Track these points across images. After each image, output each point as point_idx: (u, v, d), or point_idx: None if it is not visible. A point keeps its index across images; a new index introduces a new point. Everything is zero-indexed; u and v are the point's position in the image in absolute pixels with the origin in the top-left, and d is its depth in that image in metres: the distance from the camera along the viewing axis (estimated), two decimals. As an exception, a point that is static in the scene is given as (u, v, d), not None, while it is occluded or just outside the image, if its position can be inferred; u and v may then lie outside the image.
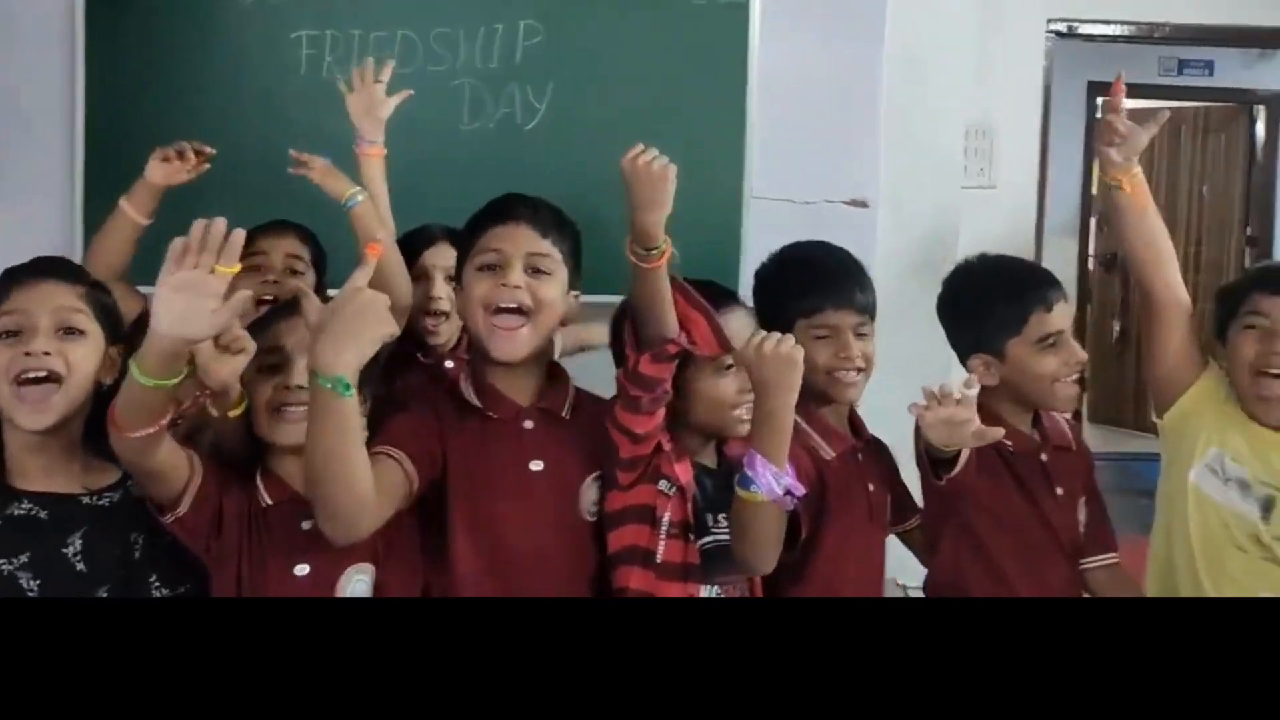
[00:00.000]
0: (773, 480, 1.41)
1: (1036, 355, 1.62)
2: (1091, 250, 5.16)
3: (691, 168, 2.77)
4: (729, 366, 1.51)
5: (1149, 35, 4.18)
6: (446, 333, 1.88)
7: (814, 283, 1.66)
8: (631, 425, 1.45)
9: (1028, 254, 3.89)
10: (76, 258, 2.06)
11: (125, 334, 1.47)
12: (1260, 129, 5.29)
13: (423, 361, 1.83)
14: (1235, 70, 5.27)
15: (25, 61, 2.64)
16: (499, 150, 2.73)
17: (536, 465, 1.48)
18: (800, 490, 1.45)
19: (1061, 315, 1.63)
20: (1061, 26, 3.94)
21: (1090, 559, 1.72)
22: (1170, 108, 5.74)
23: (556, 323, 1.51)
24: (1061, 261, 4.75)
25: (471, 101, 2.75)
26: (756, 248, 2.74)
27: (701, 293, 1.51)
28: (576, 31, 2.78)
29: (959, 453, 1.49)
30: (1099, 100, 5.50)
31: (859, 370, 1.64)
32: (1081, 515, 1.72)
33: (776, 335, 1.45)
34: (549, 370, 1.55)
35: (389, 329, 1.27)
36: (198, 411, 1.41)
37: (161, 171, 1.94)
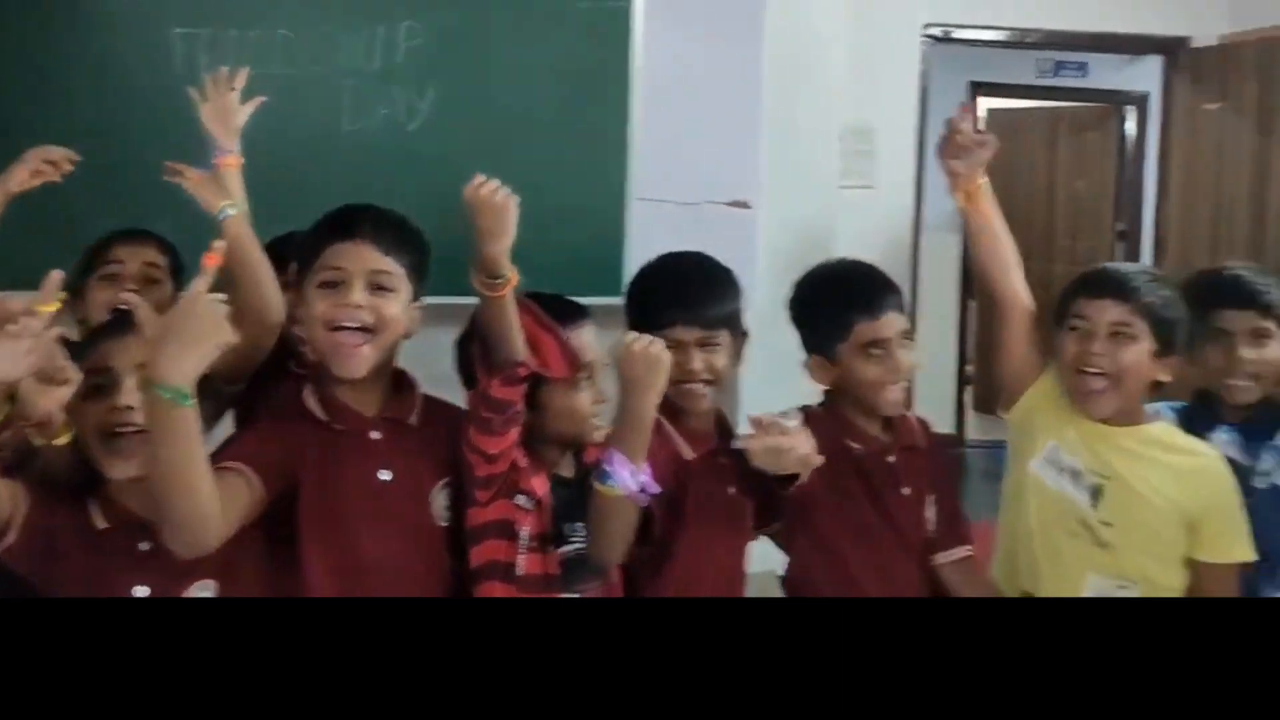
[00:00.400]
0: (629, 476, 1.46)
1: (861, 361, 1.68)
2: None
3: (575, 169, 2.92)
4: (585, 378, 1.56)
5: (1020, 40, 4.37)
6: (318, 339, 1.86)
7: (663, 298, 1.69)
8: (485, 446, 1.47)
9: (905, 250, 4.04)
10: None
11: None
12: (1130, 128, 5.54)
13: (297, 372, 1.80)
14: (1107, 72, 5.51)
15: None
16: (382, 151, 2.74)
17: (385, 475, 1.49)
18: (655, 488, 1.50)
19: (888, 325, 1.69)
20: (937, 31, 4.09)
21: (941, 554, 1.78)
22: (1047, 107, 6.05)
23: (399, 338, 1.50)
24: (943, 257, 4.92)
25: (353, 102, 2.74)
26: (640, 248, 2.81)
27: (550, 309, 1.54)
28: (459, 32, 2.79)
29: None
30: (979, 100, 5.71)
31: (706, 382, 1.67)
32: (930, 513, 1.78)
33: (647, 337, 1.51)
34: (395, 379, 1.55)
35: (227, 337, 1.28)
36: (20, 441, 1.39)
37: (24, 179, 1.89)
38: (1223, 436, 1.81)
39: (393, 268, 1.49)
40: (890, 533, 1.72)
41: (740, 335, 1.75)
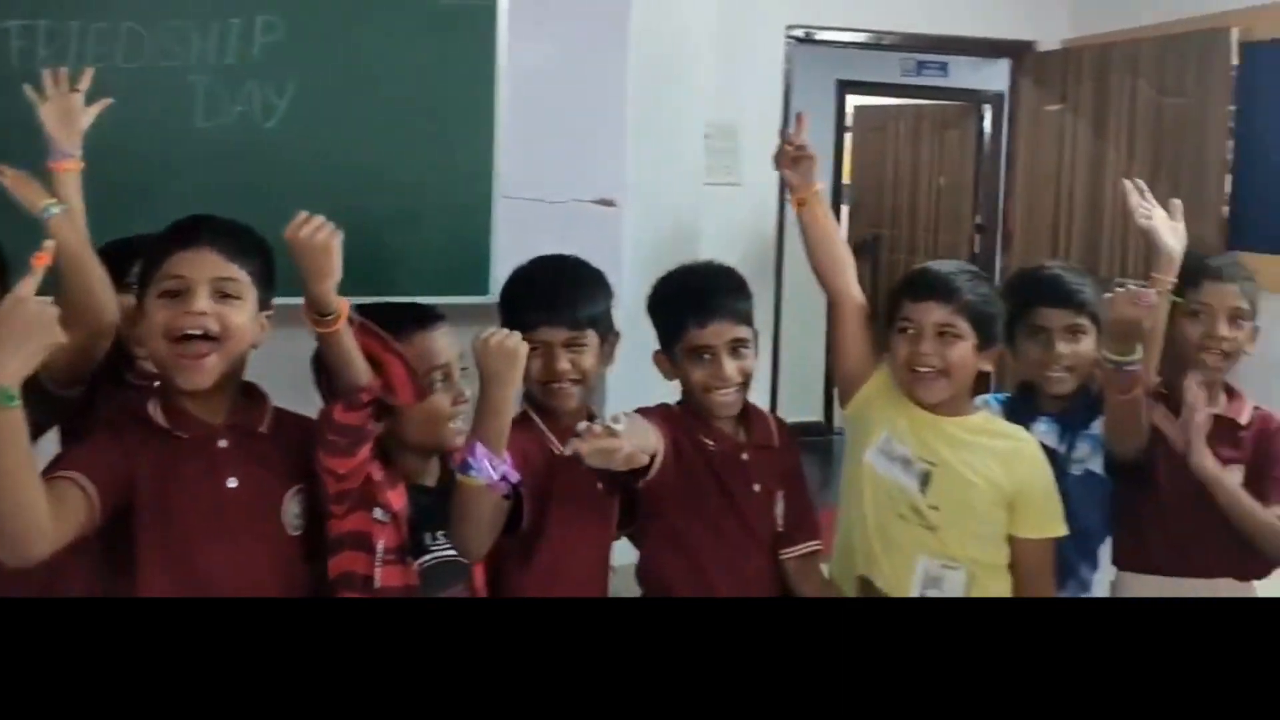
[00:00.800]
0: (490, 467, 1.49)
1: (691, 365, 1.77)
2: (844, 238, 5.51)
3: (441, 167, 2.91)
4: (441, 380, 1.58)
5: (878, 43, 4.53)
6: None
7: (530, 301, 1.74)
8: (334, 467, 1.48)
9: (771, 246, 4.14)
10: None
11: None
12: (988, 126, 5.80)
13: (134, 383, 1.72)
14: (966, 72, 5.76)
15: None
16: (238, 149, 2.66)
17: (232, 482, 1.48)
18: (515, 477, 1.53)
19: (715, 333, 1.75)
20: (800, 33, 4.21)
21: (789, 549, 1.84)
22: (911, 105, 6.29)
23: (247, 347, 1.48)
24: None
25: (206, 99, 2.66)
26: (507, 247, 2.82)
27: (404, 315, 1.55)
28: (318, 28, 2.74)
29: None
30: (848, 97, 5.90)
31: (573, 382, 1.72)
32: (780, 509, 1.84)
33: (504, 330, 1.55)
34: (244, 389, 1.54)
35: (55, 338, 1.26)
36: None
37: None
38: (1042, 427, 1.94)
39: (238, 274, 1.47)
40: (740, 528, 1.78)
41: (610, 335, 1.81)
